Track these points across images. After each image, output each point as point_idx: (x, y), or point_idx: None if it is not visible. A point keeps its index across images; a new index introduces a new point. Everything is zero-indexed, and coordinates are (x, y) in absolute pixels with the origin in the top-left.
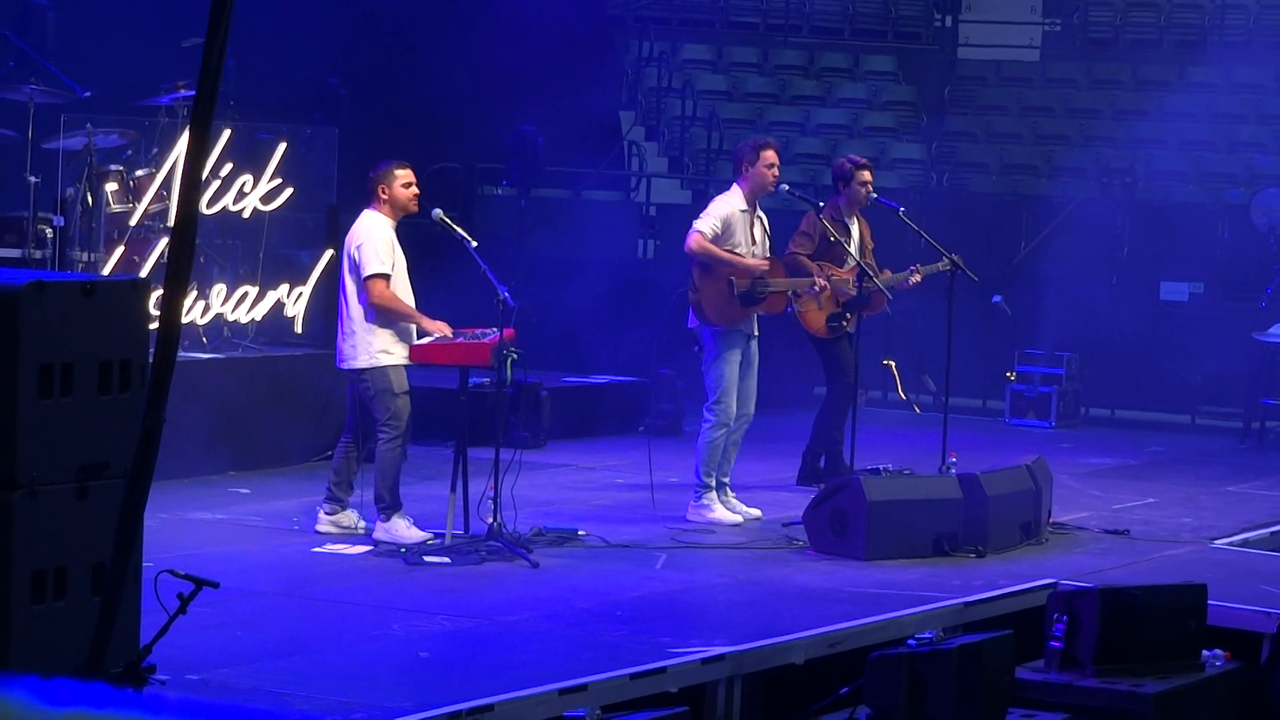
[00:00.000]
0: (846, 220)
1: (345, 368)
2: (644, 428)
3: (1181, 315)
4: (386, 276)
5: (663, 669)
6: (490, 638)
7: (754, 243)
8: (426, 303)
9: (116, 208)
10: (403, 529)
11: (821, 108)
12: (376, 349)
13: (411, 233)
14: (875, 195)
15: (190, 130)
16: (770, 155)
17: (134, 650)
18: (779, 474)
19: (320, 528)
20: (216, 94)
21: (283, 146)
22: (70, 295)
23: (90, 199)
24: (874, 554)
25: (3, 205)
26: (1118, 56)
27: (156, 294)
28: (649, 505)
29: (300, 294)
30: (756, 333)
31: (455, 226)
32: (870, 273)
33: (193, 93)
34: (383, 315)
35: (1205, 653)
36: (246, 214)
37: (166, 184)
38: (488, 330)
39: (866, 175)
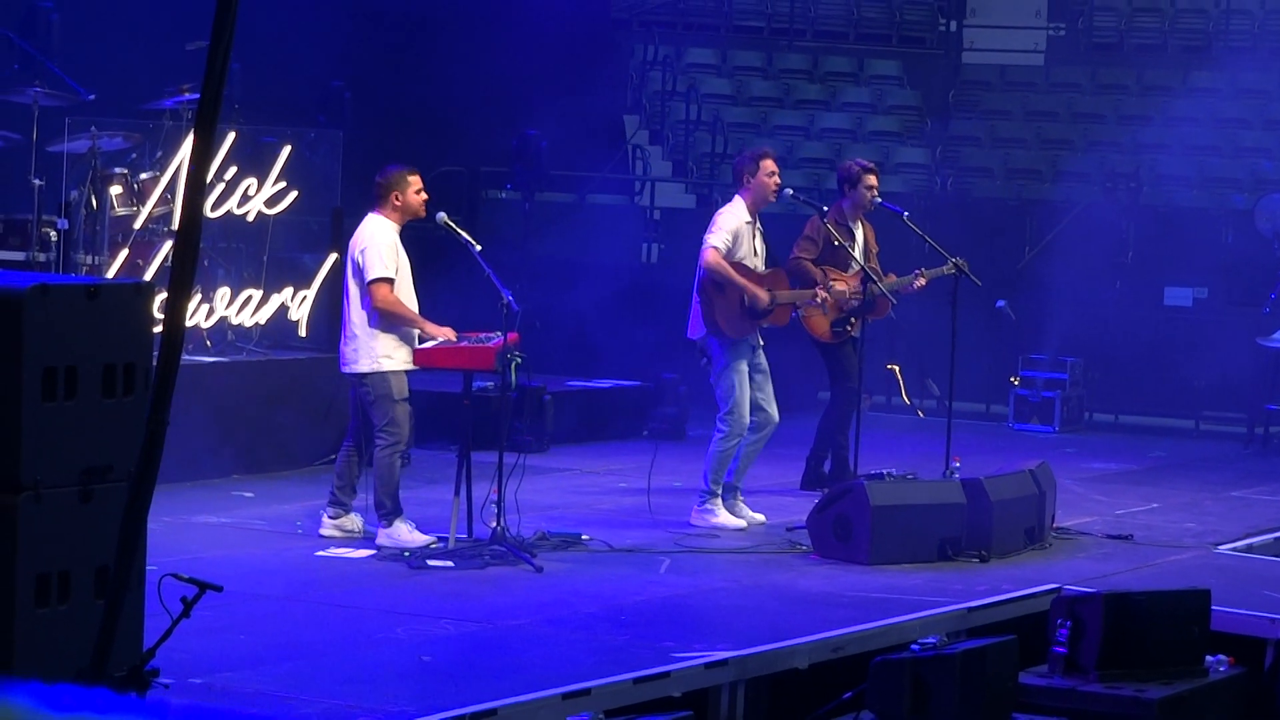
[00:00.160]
0: (851, 225)
1: (347, 371)
2: (648, 432)
3: (1186, 320)
4: (390, 281)
5: (666, 673)
6: (494, 642)
7: (756, 253)
8: (430, 306)
9: (121, 211)
10: (405, 533)
11: (826, 112)
12: (379, 353)
13: (416, 236)
14: (880, 199)
15: (195, 133)
16: (769, 164)
17: (137, 654)
18: (783, 478)
19: (324, 531)
20: (221, 97)
21: (287, 150)
22: (74, 298)
23: (94, 202)
24: (877, 559)
25: (7, 208)
26: (1122, 61)
27: (161, 297)
28: (652, 509)
29: (304, 297)
30: (762, 341)
31: (459, 230)
32: (874, 277)
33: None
34: (386, 320)
35: (1209, 658)
36: (251, 217)
37: (171, 187)
38: (491, 334)
39: (872, 180)
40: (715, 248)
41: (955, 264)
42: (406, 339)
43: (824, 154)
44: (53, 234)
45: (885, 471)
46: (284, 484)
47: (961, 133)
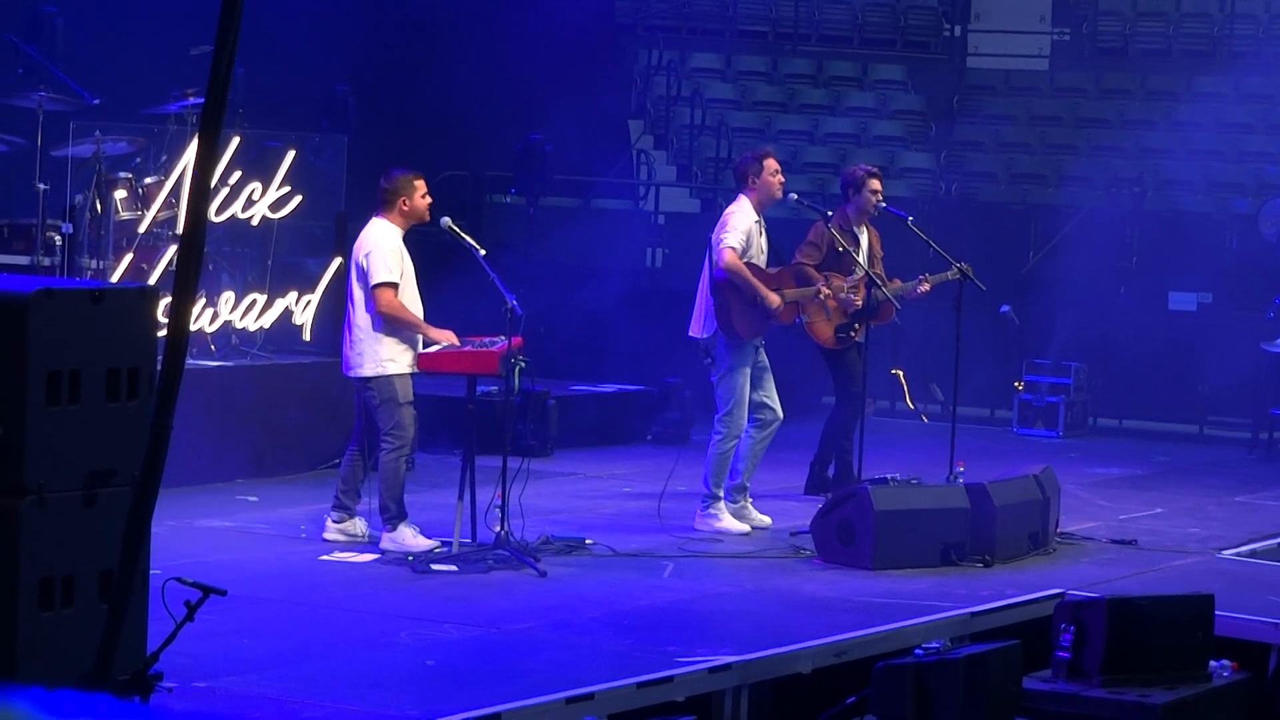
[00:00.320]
0: (855, 229)
1: (352, 375)
2: (652, 436)
3: (1190, 325)
4: (394, 285)
5: (670, 678)
6: (497, 646)
7: (762, 252)
8: (434, 310)
9: (125, 215)
10: (409, 537)
11: (830, 117)
12: (383, 357)
13: (420, 241)
14: (884, 204)
15: (199, 137)
16: (773, 163)
17: (141, 658)
18: (787, 483)
19: (328, 535)
20: (225, 101)
21: (291, 154)
22: (79, 303)
23: (99, 206)
24: (881, 563)
25: (12, 212)
26: (1127, 66)
27: (165, 301)
28: (657, 514)
29: (308, 302)
30: (763, 340)
31: (464, 235)
32: (879, 282)
33: (202, 100)
34: (390, 324)
35: (1212, 663)
36: (255, 221)
37: (175, 191)
38: (496, 338)
39: (877, 184)
40: (733, 248)
41: (960, 269)
42: (410, 343)
43: (828, 159)
44: (57, 238)
45: (889, 476)
46: (288, 488)
47: (966, 137)
